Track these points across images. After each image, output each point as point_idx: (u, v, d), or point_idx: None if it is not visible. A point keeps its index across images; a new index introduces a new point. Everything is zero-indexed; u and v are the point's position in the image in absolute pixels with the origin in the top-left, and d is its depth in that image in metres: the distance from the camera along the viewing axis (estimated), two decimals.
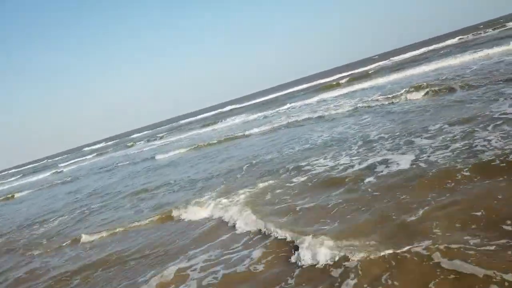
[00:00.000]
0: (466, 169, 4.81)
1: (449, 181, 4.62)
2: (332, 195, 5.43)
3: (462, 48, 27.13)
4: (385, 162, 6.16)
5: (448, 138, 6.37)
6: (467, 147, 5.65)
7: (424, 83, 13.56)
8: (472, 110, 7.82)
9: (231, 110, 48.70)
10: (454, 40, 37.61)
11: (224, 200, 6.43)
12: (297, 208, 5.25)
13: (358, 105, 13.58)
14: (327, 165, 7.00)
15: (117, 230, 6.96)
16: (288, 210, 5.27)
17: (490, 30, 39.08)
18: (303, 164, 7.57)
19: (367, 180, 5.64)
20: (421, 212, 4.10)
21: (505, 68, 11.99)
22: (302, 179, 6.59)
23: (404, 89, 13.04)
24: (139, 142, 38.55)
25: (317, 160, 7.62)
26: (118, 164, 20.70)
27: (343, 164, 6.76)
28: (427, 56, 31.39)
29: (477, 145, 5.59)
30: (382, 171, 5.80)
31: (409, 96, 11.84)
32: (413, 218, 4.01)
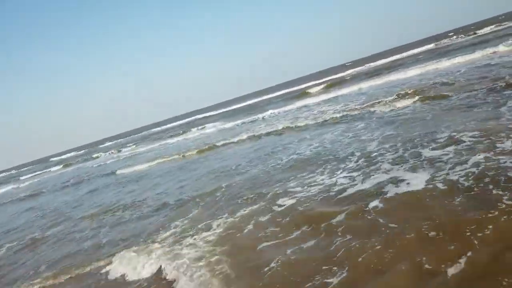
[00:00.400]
0: (506, 194, 3.75)
1: (492, 211, 3.52)
2: (331, 228, 4.25)
3: (440, 53, 27.02)
4: (394, 181, 5.05)
5: (464, 150, 5.36)
6: (494, 162, 4.62)
7: (413, 88, 12.80)
8: (480, 116, 6.91)
9: (210, 116, 47.10)
10: (430, 46, 37.90)
11: (189, 240, 4.99)
12: (288, 251, 3.98)
13: (345, 112, 12.60)
14: (322, 183, 5.83)
15: (63, 278, 5.47)
16: (273, 258, 3.92)
17: (463, 36, 39.70)
18: (293, 183, 6.36)
19: (373, 205, 4.52)
20: (463, 260, 2.98)
21: (497, 71, 11.34)
22: (292, 202, 5.38)
23: (395, 94, 12.19)
24: (103, 153, 36.18)
25: (309, 176, 6.45)
26: (84, 178, 18.83)
27: (342, 183, 5.61)
28: (404, 61, 31.22)
29: (505, 161, 4.57)
30: (391, 194, 4.68)
31: (400, 101, 10.93)
32: (457, 271, 2.88)
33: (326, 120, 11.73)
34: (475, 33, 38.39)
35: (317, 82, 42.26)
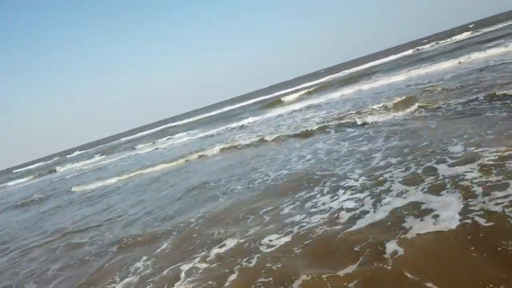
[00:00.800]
0: None
1: None
2: (342, 283, 3.11)
3: (420, 59, 26.76)
4: (415, 210, 3.98)
5: (493, 168, 4.36)
6: None
7: (403, 94, 12.00)
8: (495, 126, 5.99)
9: (185, 124, 45.30)
10: (409, 52, 37.99)
11: None
12: None
13: (333, 120, 11.59)
14: (323, 209, 4.70)
15: None
16: None
17: (439, 42, 40.10)
18: (286, 208, 5.19)
19: (392, 248, 3.42)
20: None
21: (491, 76, 10.67)
22: (286, 240, 4.19)
23: (384, 101, 11.31)
24: (71, 164, 33.79)
25: (306, 197, 5.33)
26: (42, 196, 16.93)
27: (348, 209, 4.49)
28: (383, 67, 30.91)
29: None
30: (415, 232, 3.56)
31: (393, 107, 10.03)
32: None
33: (313, 129, 10.65)
34: (451, 40, 38.77)
35: (296, 88, 41.36)
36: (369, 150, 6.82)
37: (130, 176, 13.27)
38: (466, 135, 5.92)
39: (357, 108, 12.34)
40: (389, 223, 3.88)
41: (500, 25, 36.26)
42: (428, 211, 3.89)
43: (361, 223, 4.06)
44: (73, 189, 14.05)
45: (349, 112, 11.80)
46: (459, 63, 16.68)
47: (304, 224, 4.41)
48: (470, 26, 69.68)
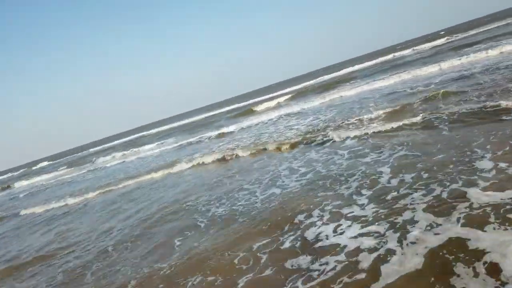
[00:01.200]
0: None
1: None
2: None
3: (397, 65, 26.51)
4: (457, 251, 3.00)
5: None
6: None
7: (396, 99, 11.24)
8: None
9: (161, 131, 43.50)
10: (389, 57, 37.97)
11: None
12: None
13: (324, 128, 10.65)
14: (334, 246, 3.63)
15: None
16: None
17: (415, 48, 40.42)
18: (286, 241, 4.10)
19: None
20: None
21: (491, 78, 10.05)
22: None
23: (375, 107, 10.47)
24: (38, 177, 31.50)
25: (306, 225, 4.26)
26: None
27: (368, 248, 3.46)
28: (362, 73, 30.57)
29: None
30: None
31: (388, 114, 9.19)
32: None
33: (302, 138, 9.63)
34: (425, 46, 39.01)
35: (274, 95, 40.44)
36: (373, 161, 5.85)
37: (94, 194, 11.74)
38: (490, 145, 5.06)
39: (349, 115, 11.48)
40: (429, 277, 2.86)
41: (474, 31, 36.90)
42: (479, 255, 2.90)
43: (388, 273, 3.03)
44: (23, 212, 12.30)
45: (341, 120, 10.90)
46: (462, 63, 15.99)
47: (313, 273, 3.31)
48: (441, 33, 71.28)
